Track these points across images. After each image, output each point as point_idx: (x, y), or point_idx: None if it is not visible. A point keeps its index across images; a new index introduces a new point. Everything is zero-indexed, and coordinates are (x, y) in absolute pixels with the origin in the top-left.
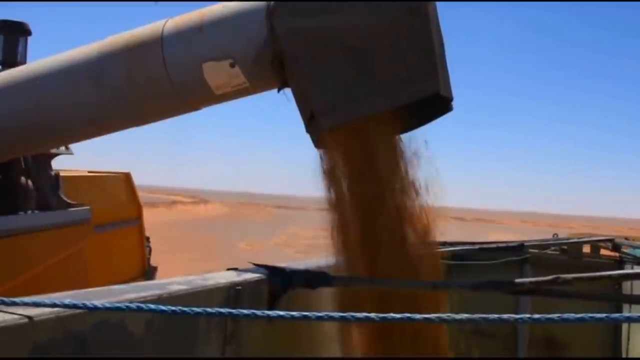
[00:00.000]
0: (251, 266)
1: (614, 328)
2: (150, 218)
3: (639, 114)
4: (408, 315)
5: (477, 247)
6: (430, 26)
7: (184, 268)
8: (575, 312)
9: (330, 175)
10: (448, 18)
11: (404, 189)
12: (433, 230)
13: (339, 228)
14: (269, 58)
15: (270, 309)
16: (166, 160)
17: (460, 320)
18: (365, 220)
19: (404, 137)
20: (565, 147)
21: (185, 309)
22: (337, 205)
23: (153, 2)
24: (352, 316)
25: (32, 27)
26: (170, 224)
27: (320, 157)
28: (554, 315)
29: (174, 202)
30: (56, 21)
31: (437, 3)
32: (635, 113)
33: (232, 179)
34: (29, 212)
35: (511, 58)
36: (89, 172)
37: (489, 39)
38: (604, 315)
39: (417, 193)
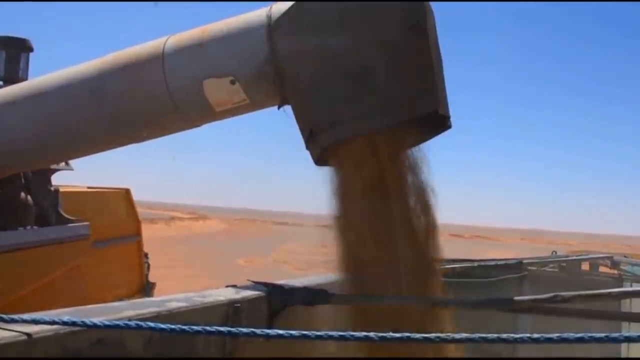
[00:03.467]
0: (250, 283)
1: (613, 346)
2: (148, 234)
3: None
4: (407, 334)
5: (475, 264)
6: (429, 43)
7: (182, 284)
8: (575, 330)
9: (333, 191)
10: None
11: (408, 204)
12: (439, 246)
13: (343, 244)
14: (269, 75)
15: (269, 326)
16: (165, 176)
17: (460, 340)
18: (370, 235)
19: (406, 152)
20: (565, 163)
21: (184, 327)
22: (339, 222)
23: (153, 3)
24: (352, 335)
25: (34, 44)
26: (169, 240)
27: (323, 174)
28: (554, 335)
29: (173, 218)
30: (58, 37)
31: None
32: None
33: (231, 195)
34: (28, 227)
35: (515, 61)
36: (88, 187)
37: (488, 39)
38: (603, 335)
39: (422, 209)
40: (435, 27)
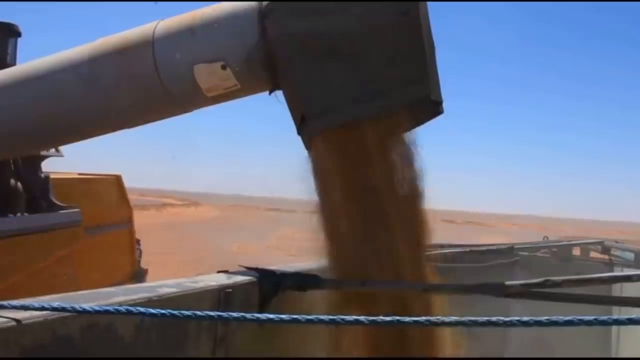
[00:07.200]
0: (242, 269)
1: (604, 330)
2: (140, 220)
3: (630, 118)
4: (397, 318)
5: (467, 249)
6: (421, 29)
7: (174, 271)
8: (565, 314)
9: (321, 178)
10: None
11: (399, 190)
12: (428, 232)
13: (330, 230)
14: (260, 60)
15: (260, 311)
16: (157, 162)
17: (450, 324)
18: (361, 221)
19: (398, 138)
20: (557, 149)
21: (174, 312)
22: (328, 207)
23: (153, 2)
24: (342, 319)
25: (24, 33)
26: (161, 226)
27: (311, 160)
28: (543, 318)
29: (165, 205)
30: (48, 27)
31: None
32: (626, 117)
33: (223, 182)
34: (19, 214)
35: (510, 46)
36: (79, 174)
37: (482, 22)
38: (592, 317)
39: (412, 194)
40: (427, 15)
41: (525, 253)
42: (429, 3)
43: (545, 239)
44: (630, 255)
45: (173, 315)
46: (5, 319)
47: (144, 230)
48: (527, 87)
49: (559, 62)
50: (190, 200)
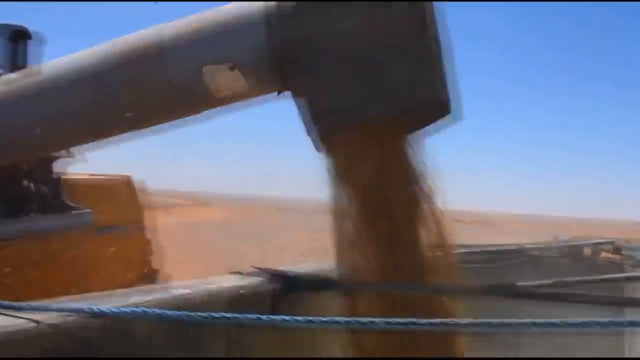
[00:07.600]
0: (254, 270)
1: (615, 333)
2: (150, 221)
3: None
4: (413, 320)
5: (476, 250)
6: (428, 29)
7: (186, 271)
8: (576, 315)
9: (332, 178)
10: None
11: (414, 191)
12: (447, 232)
13: (342, 231)
14: (269, 61)
15: (273, 313)
16: (166, 163)
17: (465, 326)
18: (372, 223)
19: (410, 138)
20: (567, 149)
21: (190, 313)
22: (340, 208)
23: (153, 2)
24: (357, 321)
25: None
26: (171, 226)
27: (322, 160)
28: (557, 320)
29: (174, 205)
30: (53, 27)
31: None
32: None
33: (232, 182)
34: (32, 215)
35: (517, 42)
36: (90, 175)
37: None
38: (607, 320)
39: (427, 195)
40: (436, 16)
41: (536, 253)
42: (438, 4)
43: (555, 238)
44: None
45: (189, 317)
46: (25, 320)
47: (154, 231)
48: (532, 85)
49: (570, 60)
50: (200, 200)
